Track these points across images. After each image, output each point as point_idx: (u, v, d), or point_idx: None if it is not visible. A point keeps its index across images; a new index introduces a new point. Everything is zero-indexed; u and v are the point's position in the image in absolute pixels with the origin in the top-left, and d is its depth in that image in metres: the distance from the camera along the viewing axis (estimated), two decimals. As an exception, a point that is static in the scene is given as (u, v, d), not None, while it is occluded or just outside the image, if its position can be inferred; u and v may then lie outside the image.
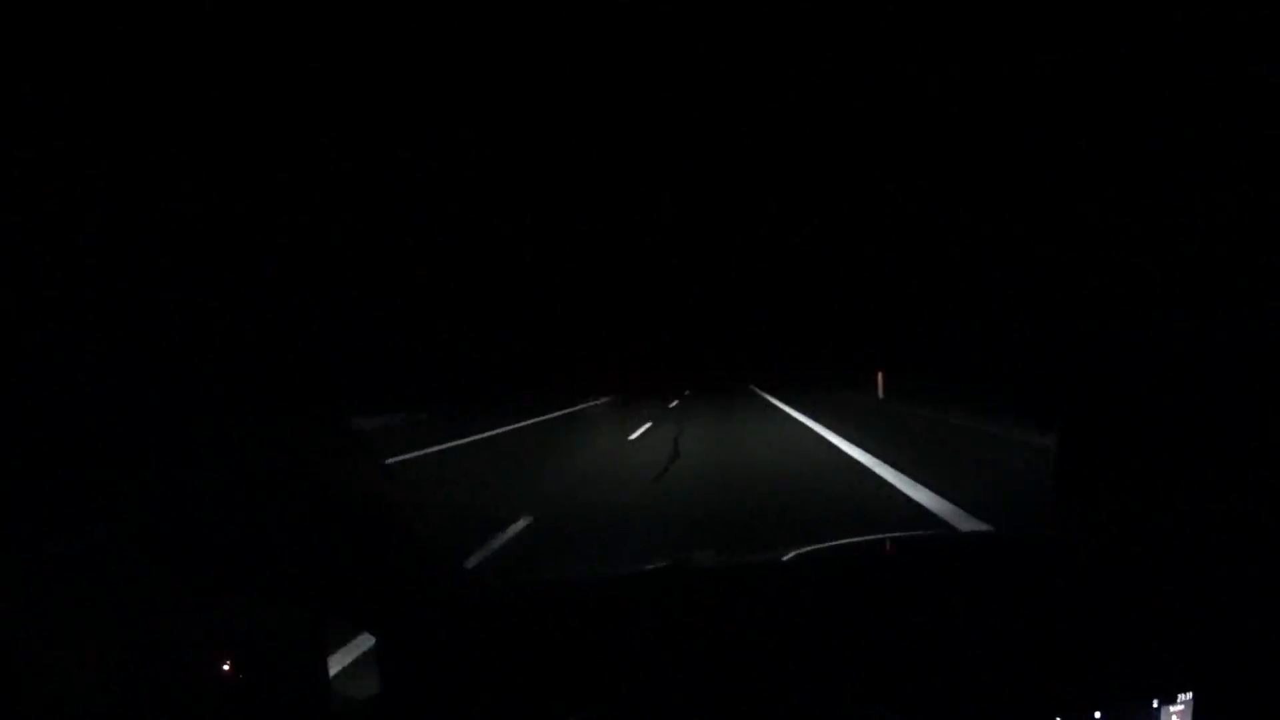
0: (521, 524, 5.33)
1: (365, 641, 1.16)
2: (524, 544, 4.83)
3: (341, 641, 1.16)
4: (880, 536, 1.72)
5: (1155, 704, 1.04)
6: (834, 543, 1.63)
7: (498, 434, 13.11)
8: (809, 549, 1.57)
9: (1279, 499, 1.21)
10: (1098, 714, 1.02)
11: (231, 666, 0.87)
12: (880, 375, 19.94)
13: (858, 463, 7.31)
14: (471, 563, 4.29)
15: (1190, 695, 1.05)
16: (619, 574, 1.65)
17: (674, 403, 21.72)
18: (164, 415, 0.77)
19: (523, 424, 14.99)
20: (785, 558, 1.52)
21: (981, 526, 4.46)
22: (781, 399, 21.14)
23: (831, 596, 1.35)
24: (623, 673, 1.13)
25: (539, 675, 1.15)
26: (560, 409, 19.87)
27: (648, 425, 13.43)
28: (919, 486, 5.72)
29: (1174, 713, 1.05)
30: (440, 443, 11.52)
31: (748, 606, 1.29)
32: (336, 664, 1.13)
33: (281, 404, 0.88)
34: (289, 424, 0.90)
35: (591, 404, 23.39)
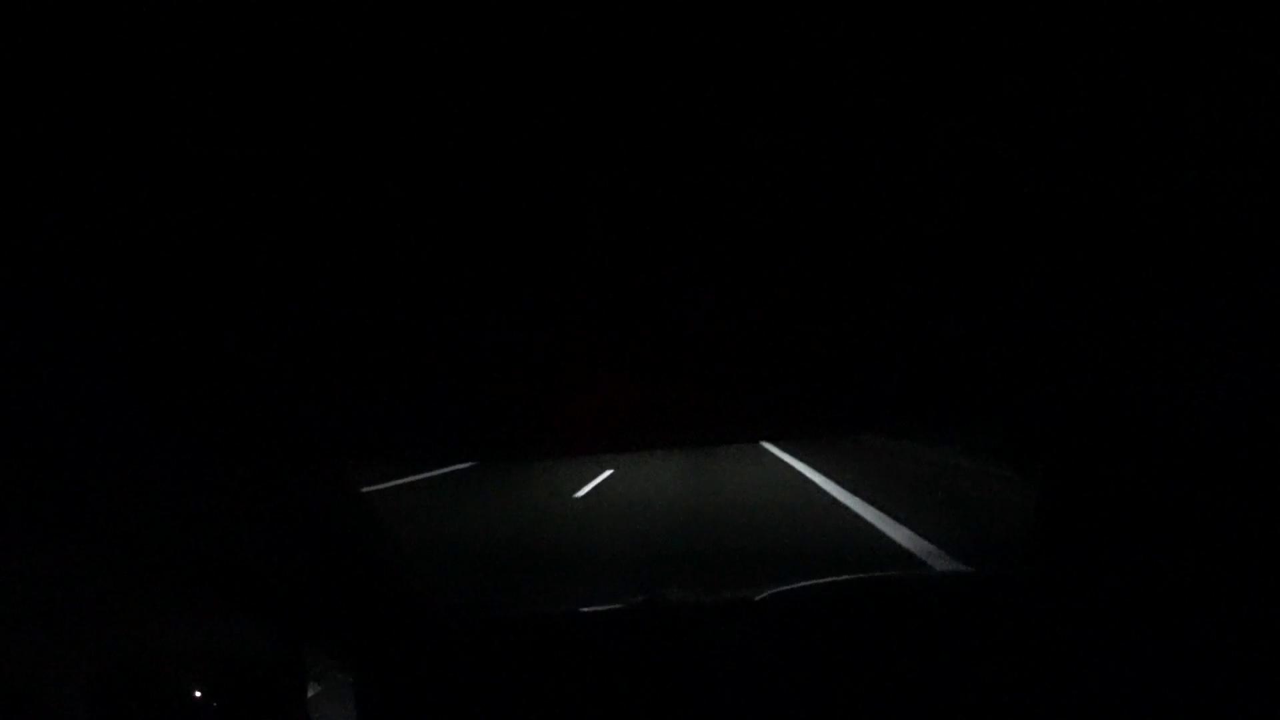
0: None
1: (343, 674, 1.13)
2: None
3: (320, 673, 1.14)
4: (856, 577, 1.71)
5: None
6: (808, 583, 1.62)
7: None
8: (783, 589, 1.56)
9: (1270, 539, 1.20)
10: None
11: (203, 694, 0.84)
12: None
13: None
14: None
15: None
16: (593, 611, 1.63)
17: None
18: (143, 438, 0.76)
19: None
20: (758, 597, 1.51)
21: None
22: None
23: (804, 638, 1.34)
24: (597, 710, 1.11)
25: (514, 712, 1.13)
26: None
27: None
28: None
29: None
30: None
31: (720, 646, 1.28)
32: (314, 694, 1.10)
33: (259, 435, 0.87)
34: (267, 454, 0.90)
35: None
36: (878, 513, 6.51)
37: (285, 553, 0.87)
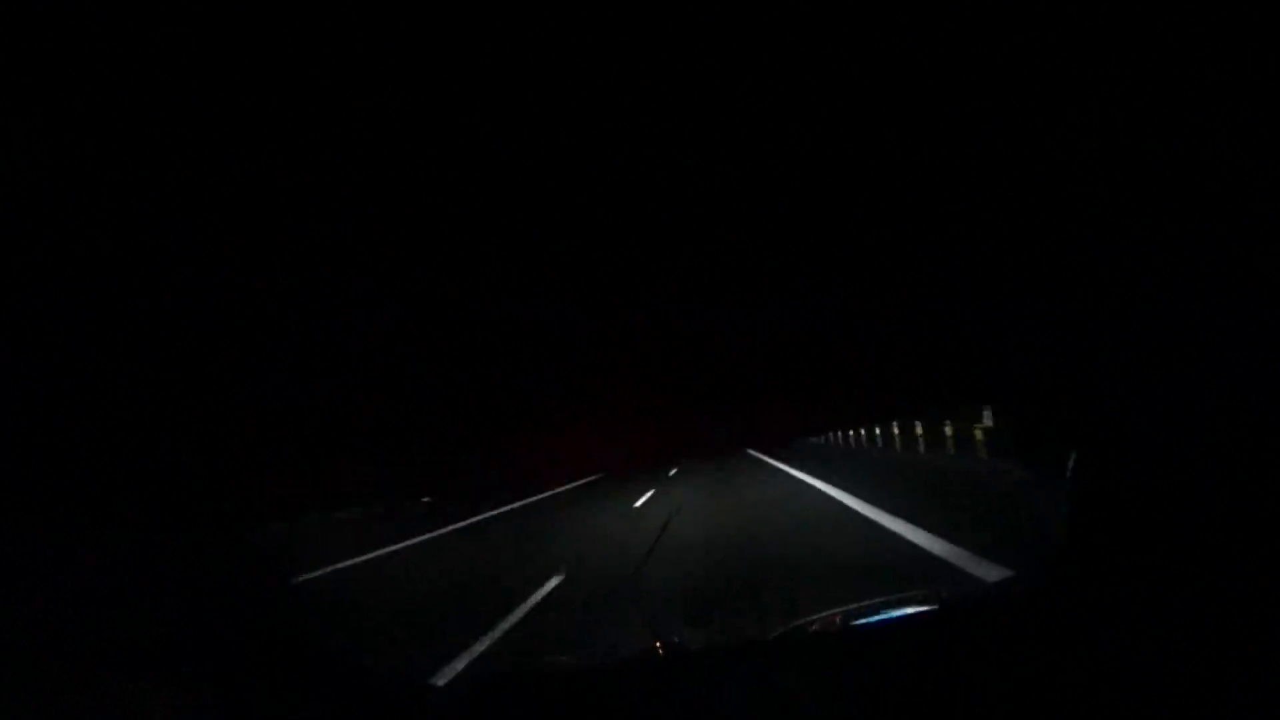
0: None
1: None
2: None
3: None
4: (868, 603, 1.63)
5: None
6: (824, 614, 1.55)
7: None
8: (794, 625, 1.49)
9: None
10: None
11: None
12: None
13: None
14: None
15: None
16: (600, 663, 1.54)
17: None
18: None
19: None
20: (772, 634, 1.44)
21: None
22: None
23: (817, 676, 1.23)
24: None
25: None
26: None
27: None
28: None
29: None
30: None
31: (735, 695, 1.18)
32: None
33: (175, 516, 0.83)
34: (184, 538, 0.85)
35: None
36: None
37: (218, 630, 0.80)
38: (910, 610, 1.68)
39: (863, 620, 1.58)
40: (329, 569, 7.60)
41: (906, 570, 4.32)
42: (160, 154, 0.54)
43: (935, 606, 1.74)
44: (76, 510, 0.78)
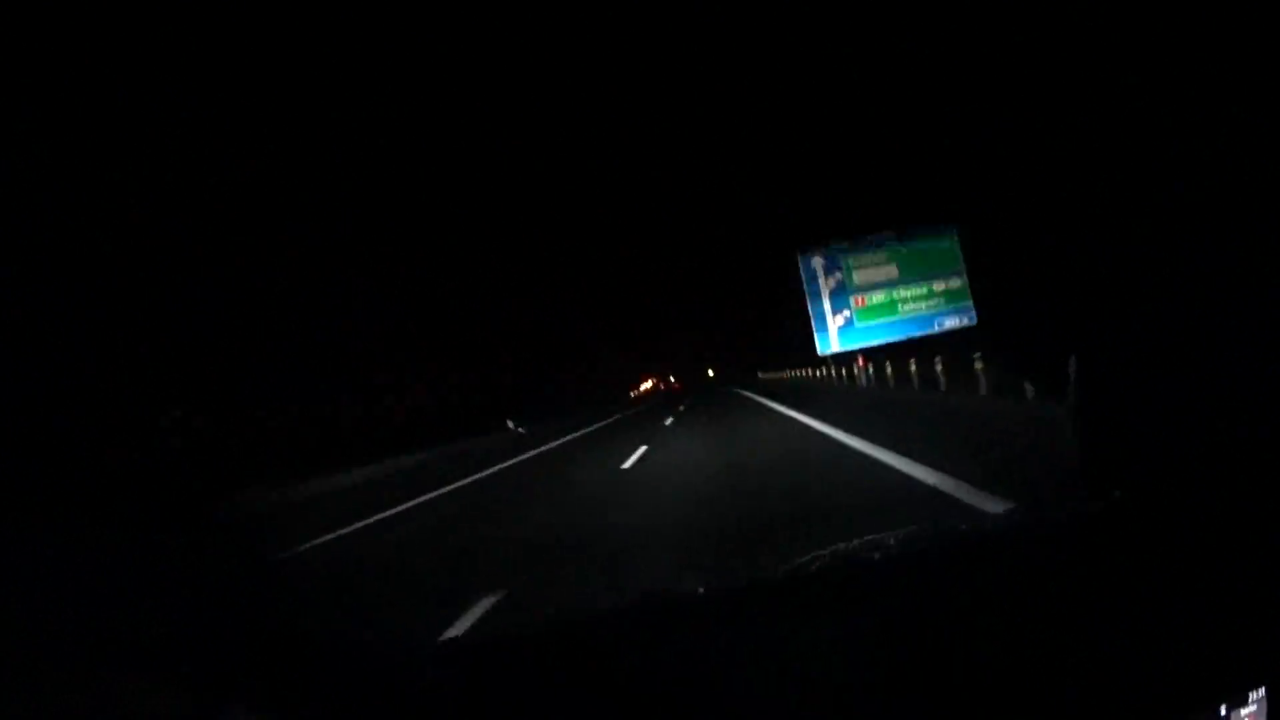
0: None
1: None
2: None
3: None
4: (871, 538, 1.61)
5: (1223, 710, 0.89)
6: (825, 550, 1.53)
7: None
8: (799, 562, 1.47)
9: None
10: None
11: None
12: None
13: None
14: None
15: (1263, 691, 0.90)
16: (593, 614, 1.51)
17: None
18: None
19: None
20: (777, 575, 1.42)
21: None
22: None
23: (829, 619, 1.19)
24: None
25: None
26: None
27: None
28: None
29: (1245, 715, 0.90)
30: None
31: (736, 641, 1.15)
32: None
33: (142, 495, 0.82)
34: (150, 516, 0.84)
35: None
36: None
37: (200, 616, 0.79)
38: (912, 547, 1.66)
39: (864, 557, 1.55)
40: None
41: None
42: (161, 154, 0.53)
43: (937, 542, 1.71)
44: (76, 510, 0.78)
